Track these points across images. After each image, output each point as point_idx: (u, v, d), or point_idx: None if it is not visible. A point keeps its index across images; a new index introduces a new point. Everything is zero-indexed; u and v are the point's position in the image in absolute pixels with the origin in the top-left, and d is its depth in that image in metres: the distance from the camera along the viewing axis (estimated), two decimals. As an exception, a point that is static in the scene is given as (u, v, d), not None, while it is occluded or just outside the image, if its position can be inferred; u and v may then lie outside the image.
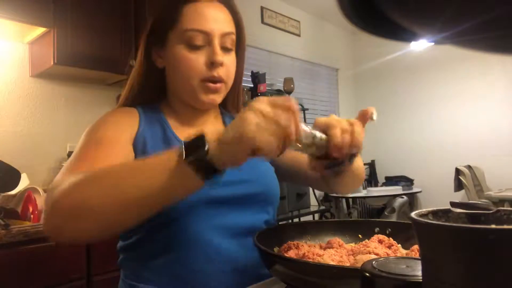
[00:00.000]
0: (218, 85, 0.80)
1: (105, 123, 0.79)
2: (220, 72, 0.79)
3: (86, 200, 0.56)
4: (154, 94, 0.89)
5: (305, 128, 0.60)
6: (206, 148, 0.52)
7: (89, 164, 0.68)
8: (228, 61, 0.81)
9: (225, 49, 0.81)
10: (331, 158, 0.63)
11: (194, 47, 0.79)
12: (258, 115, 0.51)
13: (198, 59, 0.79)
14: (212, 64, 0.79)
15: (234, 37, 0.83)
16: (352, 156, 0.66)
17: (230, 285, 0.75)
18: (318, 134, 0.61)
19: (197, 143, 0.53)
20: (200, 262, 0.75)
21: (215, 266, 0.75)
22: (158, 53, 0.85)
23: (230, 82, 0.84)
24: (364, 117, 0.65)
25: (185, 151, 0.53)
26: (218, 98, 0.83)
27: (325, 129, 0.61)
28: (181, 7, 0.80)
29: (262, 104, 0.52)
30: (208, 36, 0.79)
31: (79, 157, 0.71)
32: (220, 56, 0.79)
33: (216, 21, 0.79)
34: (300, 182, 0.98)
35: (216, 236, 0.76)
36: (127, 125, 0.80)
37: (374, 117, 0.65)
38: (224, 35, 0.80)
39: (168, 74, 0.85)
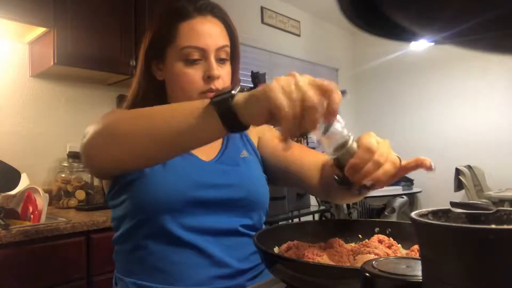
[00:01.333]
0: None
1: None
2: (216, 84, 0.84)
3: (121, 129, 0.65)
4: (156, 105, 0.91)
5: (340, 127, 0.55)
6: (232, 93, 0.57)
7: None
8: (224, 72, 0.86)
9: (220, 61, 0.86)
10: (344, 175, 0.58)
11: (191, 62, 0.83)
12: (291, 82, 0.53)
13: (196, 74, 0.83)
14: (209, 77, 0.83)
15: (228, 49, 0.87)
16: (363, 188, 0.60)
17: (210, 276, 0.78)
18: (351, 142, 0.57)
19: (226, 90, 0.58)
20: (178, 256, 0.78)
21: (193, 260, 0.78)
22: (157, 67, 0.88)
23: None
24: (413, 167, 0.61)
25: (214, 95, 0.58)
26: None
27: (359, 145, 0.58)
28: (177, 25, 0.84)
29: (302, 76, 0.54)
30: (204, 52, 0.83)
31: None
32: (216, 71, 0.84)
33: (210, 36, 0.84)
34: (295, 184, 0.98)
35: (193, 236, 0.78)
36: None
37: (433, 166, 0.59)
38: (219, 49, 0.85)
39: (168, 86, 0.89)
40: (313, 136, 0.56)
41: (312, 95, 0.51)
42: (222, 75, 0.85)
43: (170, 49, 0.84)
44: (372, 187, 0.59)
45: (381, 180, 0.58)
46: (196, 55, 0.83)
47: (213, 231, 0.80)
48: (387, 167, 0.58)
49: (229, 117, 0.56)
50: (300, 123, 0.53)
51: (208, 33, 0.83)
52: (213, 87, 0.83)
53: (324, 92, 0.52)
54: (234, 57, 0.91)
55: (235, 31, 0.91)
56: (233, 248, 0.81)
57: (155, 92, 0.89)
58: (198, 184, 0.80)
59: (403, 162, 0.62)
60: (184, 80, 0.83)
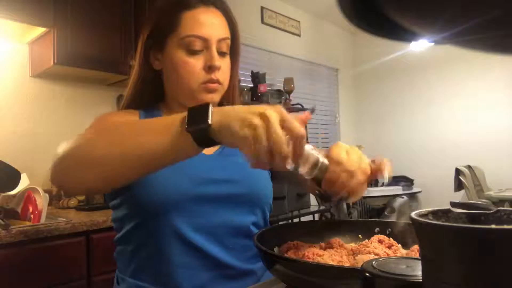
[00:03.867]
0: (216, 85, 0.84)
1: (110, 115, 0.87)
2: (217, 75, 0.83)
3: (93, 150, 0.61)
4: (154, 97, 0.91)
5: (310, 151, 0.59)
6: (209, 122, 0.54)
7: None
8: (224, 64, 0.85)
9: (221, 53, 0.85)
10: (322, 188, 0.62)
11: (192, 52, 0.82)
12: (259, 119, 0.52)
13: (197, 63, 0.83)
14: (210, 68, 0.82)
15: (229, 42, 0.87)
16: (341, 200, 0.63)
17: (212, 279, 0.77)
18: (321, 159, 0.60)
19: (201, 114, 0.54)
20: (180, 256, 0.76)
21: (195, 262, 0.77)
22: (155, 56, 0.88)
23: (226, 84, 0.88)
24: (377, 171, 0.63)
25: (188, 119, 0.55)
26: (217, 97, 0.86)
27: (329, 160, 0.61)
28: (180, 14, 0.83)
29: (274, 112, 0.52)
30: (206, 42, 0.83)
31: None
32: (218, 61, 0.83)
33: (213, 26, 0.83)
34: (298, 183, 0.98)
35: (196, 234, 0.77)
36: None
37: (386, 179, 0.62)
38: (220, 40, 0.84)
39: (166, 76, 0.88)
40: (288, 166, 0.57)
41: (282, 143, 0.51)
42: (223, 67, 0.84)
43: (171, 38, 0.83)
44: (349, 197, 0.62)
45: (355, 190, 0.60)
46: (198, 45, 0.82)
47: (216, 229, 0.79)
48: (359, 177, 0.60)
49: (204, 140, 0.55)
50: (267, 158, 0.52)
51: (211, 23, 0.83)
52: (214, 77, 0.82)
53: (292, 134, 0.52)
54: (234, 52, 0.90)
55: (236, 25, 0.90)
56: (236, 250, 0.80)
57: (153, 83, 0.89)
58: (199, 180, 0.79)
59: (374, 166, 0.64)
60: (184, 69, 0.82)
